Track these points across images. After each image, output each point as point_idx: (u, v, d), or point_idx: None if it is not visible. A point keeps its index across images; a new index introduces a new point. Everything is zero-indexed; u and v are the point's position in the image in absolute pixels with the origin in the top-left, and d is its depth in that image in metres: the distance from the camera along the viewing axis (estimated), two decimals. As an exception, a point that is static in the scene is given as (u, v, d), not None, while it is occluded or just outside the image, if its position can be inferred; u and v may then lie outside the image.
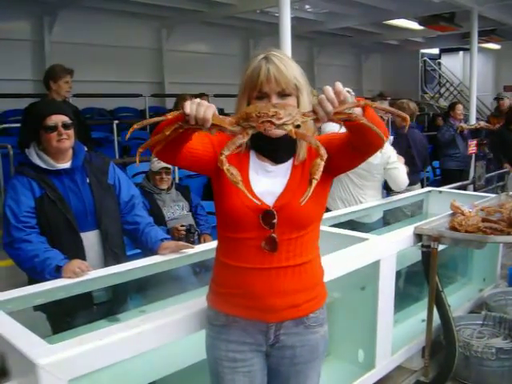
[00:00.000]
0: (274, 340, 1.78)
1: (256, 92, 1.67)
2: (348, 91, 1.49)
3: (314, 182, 1.43)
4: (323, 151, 1.44)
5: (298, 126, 1.49)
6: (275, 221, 1.68)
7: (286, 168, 1.77)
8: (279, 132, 1.66)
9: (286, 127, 1.48)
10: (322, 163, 1.43)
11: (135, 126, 1.54)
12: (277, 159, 1.76)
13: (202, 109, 1.45)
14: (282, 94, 1.67)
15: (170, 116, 1.51)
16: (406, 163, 4.18)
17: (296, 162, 1.75)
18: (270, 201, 1.70)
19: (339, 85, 1.45)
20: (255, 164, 1.77)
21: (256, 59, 1.69)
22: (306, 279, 1.77)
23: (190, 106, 1.46)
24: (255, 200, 1.55)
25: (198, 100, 1.47)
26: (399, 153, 4.21)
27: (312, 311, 1.81)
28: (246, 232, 1.70)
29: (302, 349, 1.81)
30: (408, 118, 1.60)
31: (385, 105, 6.77)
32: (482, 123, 8.09)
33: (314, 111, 1.48)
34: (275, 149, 1.75)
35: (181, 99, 7.73)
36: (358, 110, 1.49)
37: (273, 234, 1.67)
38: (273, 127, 1.48)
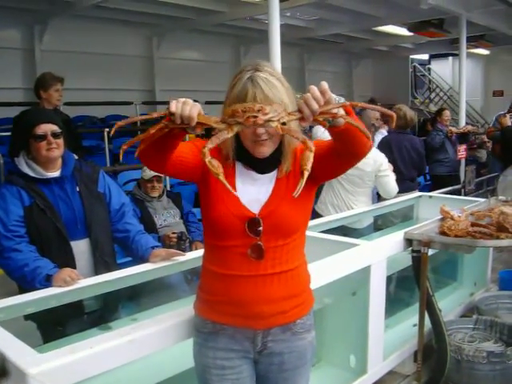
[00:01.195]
0: (262, 347, 1.78)
1: None
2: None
3: (306, 174, 1.43)
4: (311, 144, 1.45)
5: (283, 124, 1.50)
6: (261, 228, 1.69)
7: (271, 176, 1.77)
8: (265, 151, 1.69)
9: (271, 123, 1.49)
10: (312, 154, 1.44)
11: (120, 124, 1.53)
12: (262, 170, 1.77)
13: (187, 107, 1.46)
14: None
15: (155, 114, 1.53)
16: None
17: (279, 175, 1.76)
18: (255, 209, 1.71)
19: (325, 84, 1.45)
20: (241, 174, 1.77)
21: (242, 78, 1.67)
22: (293, 286, 1.78)
23: (175, 105, 1.46)
24: (234, 192, 1.55)
25: (183, 99, 1.47)
26: None
27: (299, 317, 1.81)
28: (232, 240, 1.70)
29: (290, 355, 1.81)
30: (394, 115, 1.61)
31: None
32: (470, 127, 8.12)
33: (299, 110, 1.48)
34: (262, 162, 1.75)
35: None
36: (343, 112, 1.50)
37: (259, 242, 1.68)
38: (259, 122, 1.48)
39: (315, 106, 1.44)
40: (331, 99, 1.46)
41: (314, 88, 1.45)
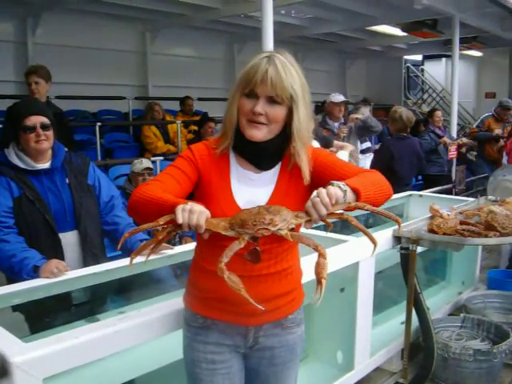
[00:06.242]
0: (253, 342, 1.78)
1: (247, 90, 1.62)
2: (339, 186, 1.47)
3: (324, 282, 1.44)
4: (323, 250, 1.45)
5: (292, 229, 1.50)
6: None
7: (271, 175, 1.73)
8: (257, 136, 1.63)
9: (281, 231, 1.48)
10: (326, 262, 1.44)
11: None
12: (261, 166, 1.72)
13: (194, 216, 1.41)
14: (272, 100, 1.61)
15: (161, 222, 1.46)
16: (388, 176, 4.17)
17: (281, 175, 1.71)
18: None
19: (331, 189, 1.43)
20: (237, 171, 1.72)
21: (258, 56, 1.63)
22: (286, 284, 1.77)
23: (181, 215, 1.41)
24: (259, 306, 1.47)
25: (188, 206, 1.42)
26: (381, 165, 4.20)
27: (291, 313, 1.81)
28: (227, 241, 1.55)
29: (281, 349, 1.81)
30: (400, 220, 1.59)
31: (367, 110, 6.67)
32: (465, 139, 8.13)
33: (307, 213, 1.47)
34: (259, 154, 1.70)
35: (149, 109, 7.79)
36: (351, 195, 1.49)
37: (257, 247, 1.57)
38: (269, 232, 1.46)
39: (324, 211, 1.42)
40: (338, 201, 1.44)
41: (323, 193, 1.42)
